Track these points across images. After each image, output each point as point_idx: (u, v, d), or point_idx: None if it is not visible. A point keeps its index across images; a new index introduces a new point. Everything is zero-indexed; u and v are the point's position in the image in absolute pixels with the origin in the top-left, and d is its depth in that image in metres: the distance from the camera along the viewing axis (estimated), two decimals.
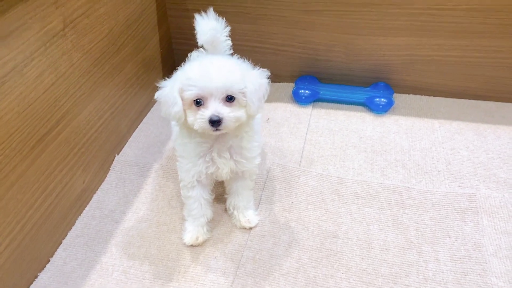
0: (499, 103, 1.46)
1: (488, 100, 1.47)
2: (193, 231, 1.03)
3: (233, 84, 0.84)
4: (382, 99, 1.44)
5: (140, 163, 1.27)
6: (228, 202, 1.09)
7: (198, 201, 1.01)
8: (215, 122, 0.83)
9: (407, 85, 1.51)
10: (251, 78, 0.87)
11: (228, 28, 1.03)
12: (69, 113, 1.04)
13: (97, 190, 1.19)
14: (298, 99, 1.49)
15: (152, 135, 1.38)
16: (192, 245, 1.03)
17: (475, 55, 1.40)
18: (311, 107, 1.49)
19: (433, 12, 1.35)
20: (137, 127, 1.41)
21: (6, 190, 0.87)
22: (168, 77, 0.91)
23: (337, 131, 1.38)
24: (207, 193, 1.02)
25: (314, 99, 1.49)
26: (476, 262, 0.98)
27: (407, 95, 1.52)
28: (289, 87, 1.57)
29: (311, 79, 1.54)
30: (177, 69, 1.05)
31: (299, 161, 1.27)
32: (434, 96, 1.51)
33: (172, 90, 0.86)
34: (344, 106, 1.48)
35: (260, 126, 1.04)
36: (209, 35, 1.00)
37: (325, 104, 1.50)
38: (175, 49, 1.61)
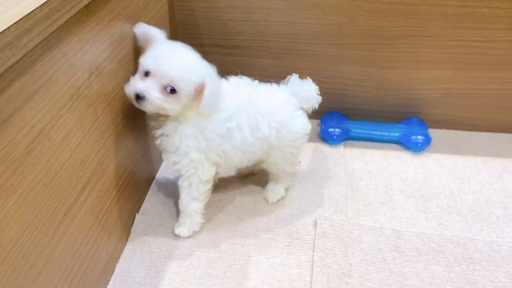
0: None
1: None
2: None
3: None
4: (419, 137, 1.34)
5: (165, 223, 1.11)
6: None
7: None
8: None
9: (440, 120, 1.42)
10: None
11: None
12: (94, 176, 0.88)
13: (119, 258, 1.02)
14: (328, 138, 1.37)
15: (171, 186, 1.21)
16: None
17: None
18: (342, 146, 1.37)
19: (471, 44, 1.27)
20: (154, 177, 1.25)
21: (31, 283, 0.69)
22: None
23: (377, 173, 1.26)
24: None
25: (345, 138, 1.37)
26: None
27: (440, 130, 1.43)
28: (314, 124, 1.44)
29: (339, 115, 1.43)
30: None
31: (345, 212, 1.14)
32: (469, 130, 1.42)
33: None
34: (377, 144, 1.37)
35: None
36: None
37: (356, 142, 1.38)
38: None
